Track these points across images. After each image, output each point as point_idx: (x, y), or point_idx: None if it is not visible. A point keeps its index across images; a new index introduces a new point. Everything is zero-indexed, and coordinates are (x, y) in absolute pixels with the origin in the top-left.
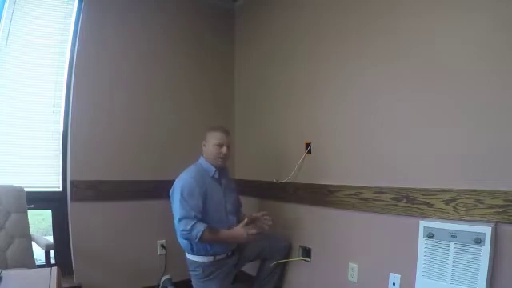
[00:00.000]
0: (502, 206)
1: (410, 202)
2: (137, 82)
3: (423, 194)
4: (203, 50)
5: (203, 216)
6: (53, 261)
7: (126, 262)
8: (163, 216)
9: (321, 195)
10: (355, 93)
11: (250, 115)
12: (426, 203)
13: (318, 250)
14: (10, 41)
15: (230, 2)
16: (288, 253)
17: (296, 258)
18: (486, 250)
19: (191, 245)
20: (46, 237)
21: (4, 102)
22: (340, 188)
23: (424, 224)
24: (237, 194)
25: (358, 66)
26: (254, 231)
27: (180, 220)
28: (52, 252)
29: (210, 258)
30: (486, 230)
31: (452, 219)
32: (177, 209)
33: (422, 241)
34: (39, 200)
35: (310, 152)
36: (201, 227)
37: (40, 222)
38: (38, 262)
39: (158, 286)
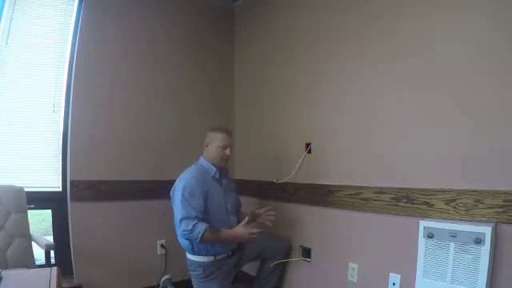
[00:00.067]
0: (502, 206)
1: (410, 202)
2: (137, 82)
3: (423, 194)
4: (203, 50)
5: (204, 216)
6: (53, 261)
7: (125, 261)
8: (163, 216)
9: (321, 195)
10: (355, 93)
11: (249, 115)
12: (426, 203)
13: (317, 249)
14: (10, 41)
15: (230, 1)
16: (288, 253)
17: (296, 258)
18: (485, 249)
19: (192, 245)
20: (46, 237)
21: (4, 102)
22: (340, 188)
23: (424, 224)
24: (236, 194)
25: (357, 65)
26: (255, 230)
27: (181, 220)
28: (52, 252)
29: (211, 258)
30: (486, 230)
31: (452, 219)
32: (178, 209)
33: (421, 241)
34: (39, 200)
35: (310, 152)
36: (202, 227)
37: (40, 221)
38: (38, 262)
39: (158, 286)
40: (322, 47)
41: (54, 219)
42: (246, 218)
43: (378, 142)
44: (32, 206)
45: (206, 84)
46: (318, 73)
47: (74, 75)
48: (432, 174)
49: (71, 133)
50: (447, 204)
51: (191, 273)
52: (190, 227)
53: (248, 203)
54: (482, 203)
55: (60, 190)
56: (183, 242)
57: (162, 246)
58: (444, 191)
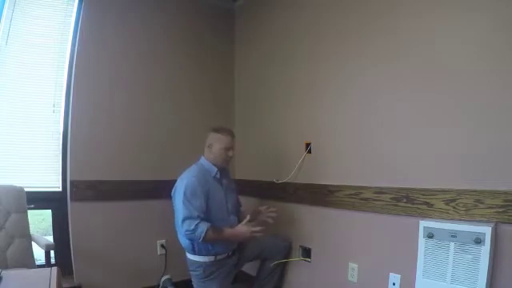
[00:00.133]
0: (502, 206)
1: (410, 202)
2: (137, 82)
3: (423, 194)
4: (203, 50)
5: (206, 216)
6: (53, 261)
7: (126, 261)
8: (163, 216)
9: (321, 195)
10: (355, 93)
11: (250, 115)
12: (426, 203)
13: (317, 249)
14: (10, 41)
15: (230, 1)
16: (288, 253)
17: (296, 257)
18: (485, 249)
19: (193, 245)
20: (46, 237)
21: (4, 102)
22: (340, 188)
23: (424, 224)
24: (237, 195)
25: (357, 65)
26: (256, 228)
27: (183, 220)
28: (52, 252)
29: (211, 258)
30: (486, 230)
31: (452, 219)
32: (180, 209)
33: (421, 241)
34: (39, 200)
35: (309, 152)
36: (204, 226)
37: (40, 221)
38: (38, 262)
39: (158, 285)
40: (322, 47)
41: (53, 219)
42: (248, 217)
43: (378, 142)
44: (32, 206)
45: (206, 84)
46: (318, 73)
47: (74, 75)
48: (432, 173)
49: (71, 133)
50: (447, 204)
51: (191, 273)
52: (193, 227)
53: (248, 203)
54: (481, 203)
55: (60, 190)
56: (184, 242)
57: (162, 245)
58: (444, 191)
